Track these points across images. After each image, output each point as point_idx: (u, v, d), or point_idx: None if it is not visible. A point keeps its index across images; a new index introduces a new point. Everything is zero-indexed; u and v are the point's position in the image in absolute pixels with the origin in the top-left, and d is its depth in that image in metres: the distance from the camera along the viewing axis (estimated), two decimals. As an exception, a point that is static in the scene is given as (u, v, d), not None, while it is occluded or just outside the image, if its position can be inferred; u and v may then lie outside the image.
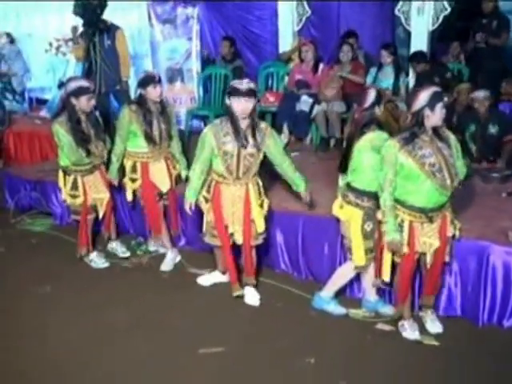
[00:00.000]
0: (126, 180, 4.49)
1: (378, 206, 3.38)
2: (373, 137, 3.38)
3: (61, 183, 4.47)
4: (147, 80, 4.24)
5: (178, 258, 4.65)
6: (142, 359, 3.37)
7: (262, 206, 3.91)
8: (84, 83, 4.21)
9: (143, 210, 4.61)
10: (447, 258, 3.49)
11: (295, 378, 3.21)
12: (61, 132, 4.19)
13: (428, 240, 3.33)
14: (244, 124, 3.68)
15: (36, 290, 4.22)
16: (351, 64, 6.39)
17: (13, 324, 3.74)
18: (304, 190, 4.01)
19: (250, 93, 3.61)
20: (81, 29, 6.07)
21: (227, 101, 3.67)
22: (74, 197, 4.42)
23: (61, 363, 3.33)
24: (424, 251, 3.37)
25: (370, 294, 3.83)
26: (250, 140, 3.70)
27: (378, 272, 3.55)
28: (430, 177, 3.17)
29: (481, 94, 5.20)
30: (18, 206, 5.76)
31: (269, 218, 4.33)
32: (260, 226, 3.88)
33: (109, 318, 3.82)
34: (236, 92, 3.59)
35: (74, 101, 4.17)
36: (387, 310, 3.79)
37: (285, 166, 3.91)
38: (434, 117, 3.15)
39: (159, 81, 4.28)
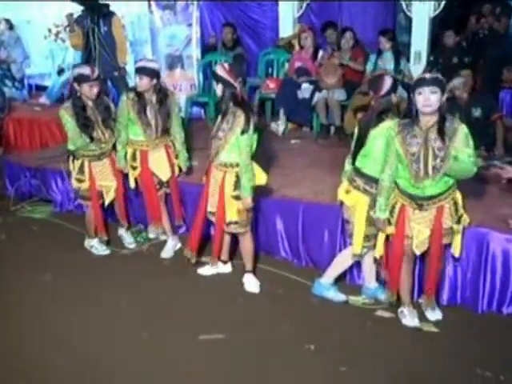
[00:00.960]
0: (128, 167, 4.49)
1: None
2: (390, 124, 3.36)
3: (70, 167, 4.48)
4: (136, 69, 4.24)
5: (179, 245, 4.65)
6: (143, 350, 3.37)
7: (238, 198, 3.78)
8: (85, 71, 4.19)
9: (143, 197, 4.61)
10: (457, 254, 3.46)
11: (295, 364, 3.22)
12: (65, 117, 4.25)
13: (417, 226, 3.32)
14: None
15: (36, 277, 4.22)
16: (351, 51, 6.36)
17: (13, 323, 3.71)
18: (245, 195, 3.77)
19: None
20: (76, 15, 6.02)
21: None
22: (80, 181, 4.44)
23: (61, 363, 3.30)
24: (411, 235, 3.35)
25: (370, 281, 3.84)
26: (224, 125, 3.68)
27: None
28: (408, 165, 3.18)
29: (458, 81, 5.10)
30: (18, 194, 5.75)
31: (268, 205, 4.34)
32: (230, 215, 3.83)
33: (109, 309, 3.81)
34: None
35: (77, 87, 4.21)
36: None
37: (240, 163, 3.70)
38: (416, 103, 3.10)
39: (146, 71, 4.18)
